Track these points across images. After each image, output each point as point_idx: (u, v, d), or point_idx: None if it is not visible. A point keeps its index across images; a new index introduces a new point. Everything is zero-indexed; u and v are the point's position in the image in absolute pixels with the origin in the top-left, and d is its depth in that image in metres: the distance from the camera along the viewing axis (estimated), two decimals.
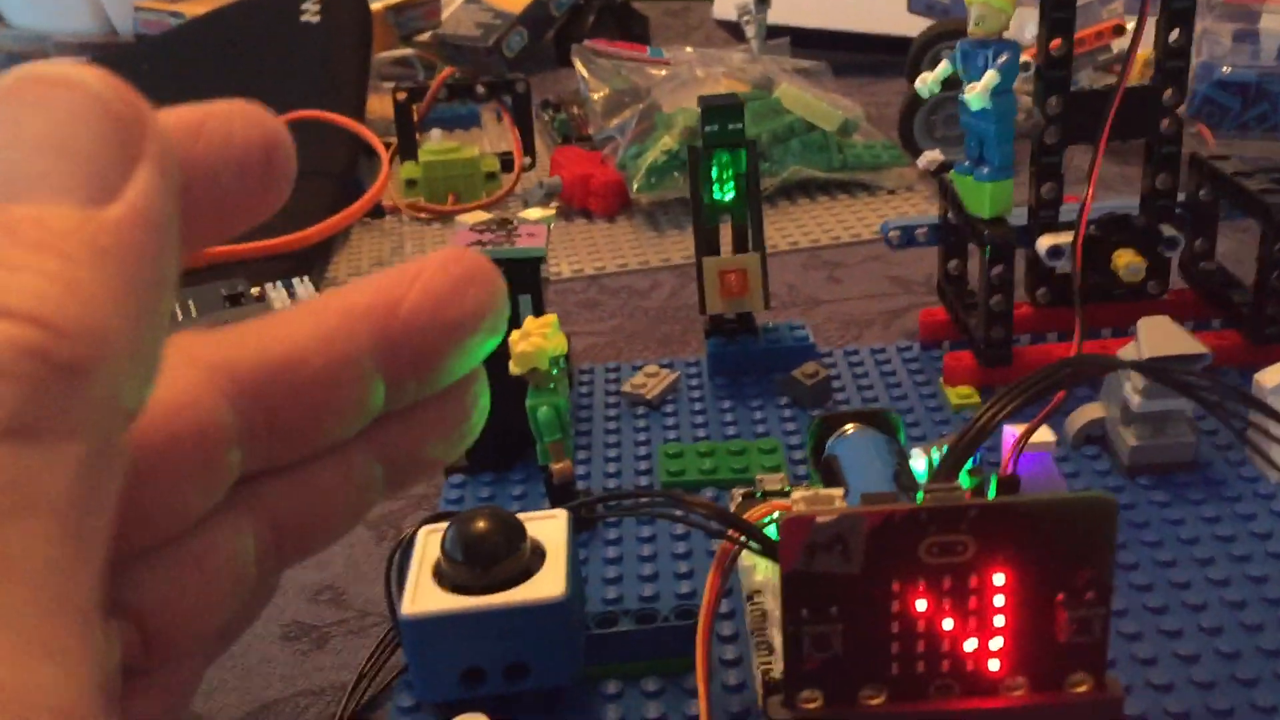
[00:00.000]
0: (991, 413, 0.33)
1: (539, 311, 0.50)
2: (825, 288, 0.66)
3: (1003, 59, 0.48)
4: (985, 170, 0.50)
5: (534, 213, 0.53)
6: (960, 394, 0.52)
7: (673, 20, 1.40)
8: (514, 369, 0.44)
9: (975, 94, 0.48)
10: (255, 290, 0.60)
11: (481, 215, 0.53)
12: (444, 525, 0.37)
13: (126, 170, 0.15)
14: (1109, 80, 0.89)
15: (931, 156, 0.62)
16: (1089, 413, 0.48)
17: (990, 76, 0.48)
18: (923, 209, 0.76)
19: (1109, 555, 0.29)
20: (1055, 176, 0.53)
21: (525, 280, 0.50)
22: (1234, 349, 0.52)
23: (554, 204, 0.80)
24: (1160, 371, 0.36)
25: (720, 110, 0.53)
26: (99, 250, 0.14)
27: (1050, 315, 0.56)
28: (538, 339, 0.44)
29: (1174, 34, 0.51)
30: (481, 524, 0.36)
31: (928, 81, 0.51)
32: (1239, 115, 0.76)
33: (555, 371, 0.45)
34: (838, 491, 0.33)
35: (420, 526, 0.38)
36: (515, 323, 0.46)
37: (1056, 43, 0.51)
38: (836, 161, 0.79)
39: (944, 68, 0.50)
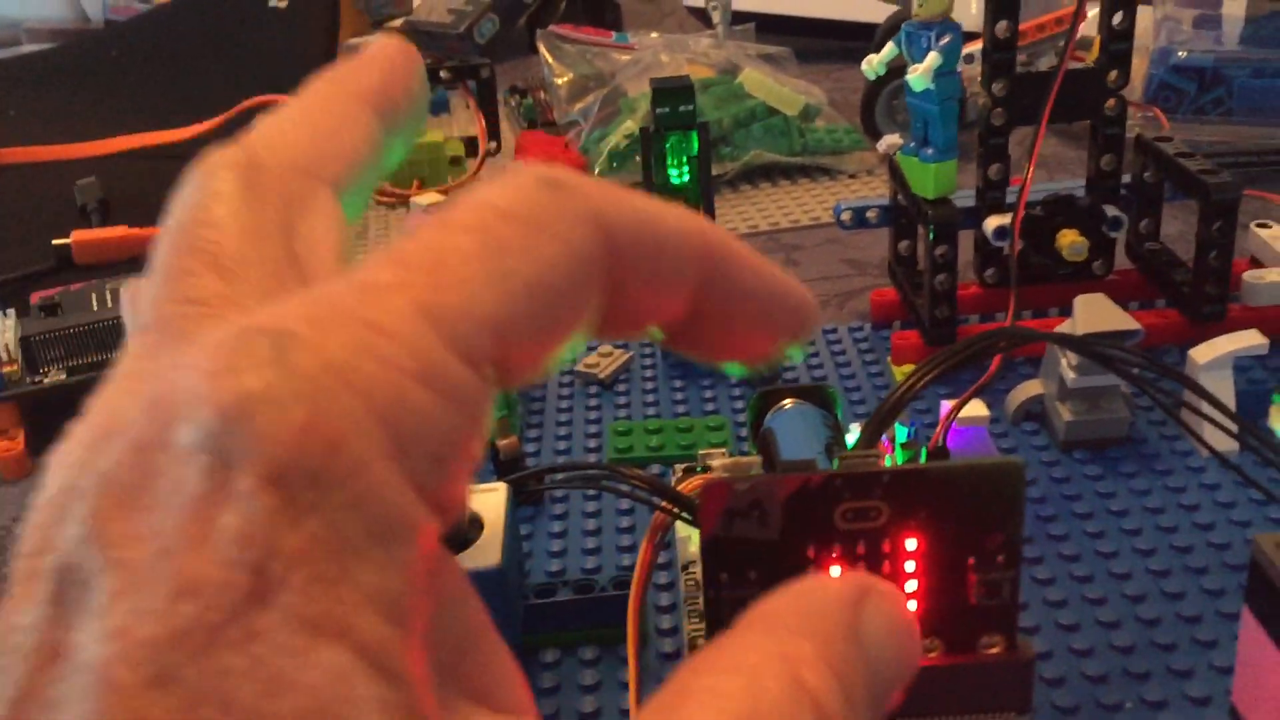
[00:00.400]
0: (914, 379, 0.33)
1: None
2: (782, 270, 0.67)
3: (945, 40, 0.49)
4: (929, 151, 0.51)
5: None
6: (906, 372, 0.53)
7: (645, 7, 1.40)
8: None
9: (918, 75, 0.49)
10: None
11: (435, 197, 0.54)
12: None
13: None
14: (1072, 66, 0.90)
15: (891, 140, 0.63)
16: (1028, 389, 0.48)
17: (932, 58, 0.48)
18: (882, 192, 0.77)
19: (1018, 520, 0.30)
20: (1002, 158, 0.54)
21: None
22: (1174, 327, 0.53)
23: None
24: (1086, 346, 0.37)
25: (671, 93, 0.54)
26: None
27: (998, 295, 0.57)
28: None
29: (1118, 17, 0.52)
30: None
31: (874, 64, 0.52)
32: (1195, 100, 0.76)
33: None
34: (755, 459, 0.34)
35: None
36: None
37: (1003, 25, 0.52)
38: (798, 145, 0.79)
39: (889, 50, 0.51)
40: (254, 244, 0.17)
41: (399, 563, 0.14)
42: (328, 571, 0.13)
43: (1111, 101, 0.53)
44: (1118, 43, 0.53)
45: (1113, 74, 0.53)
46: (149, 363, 0.15)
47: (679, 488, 0.38)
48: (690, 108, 0.54)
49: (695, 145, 0.54)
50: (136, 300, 0.17)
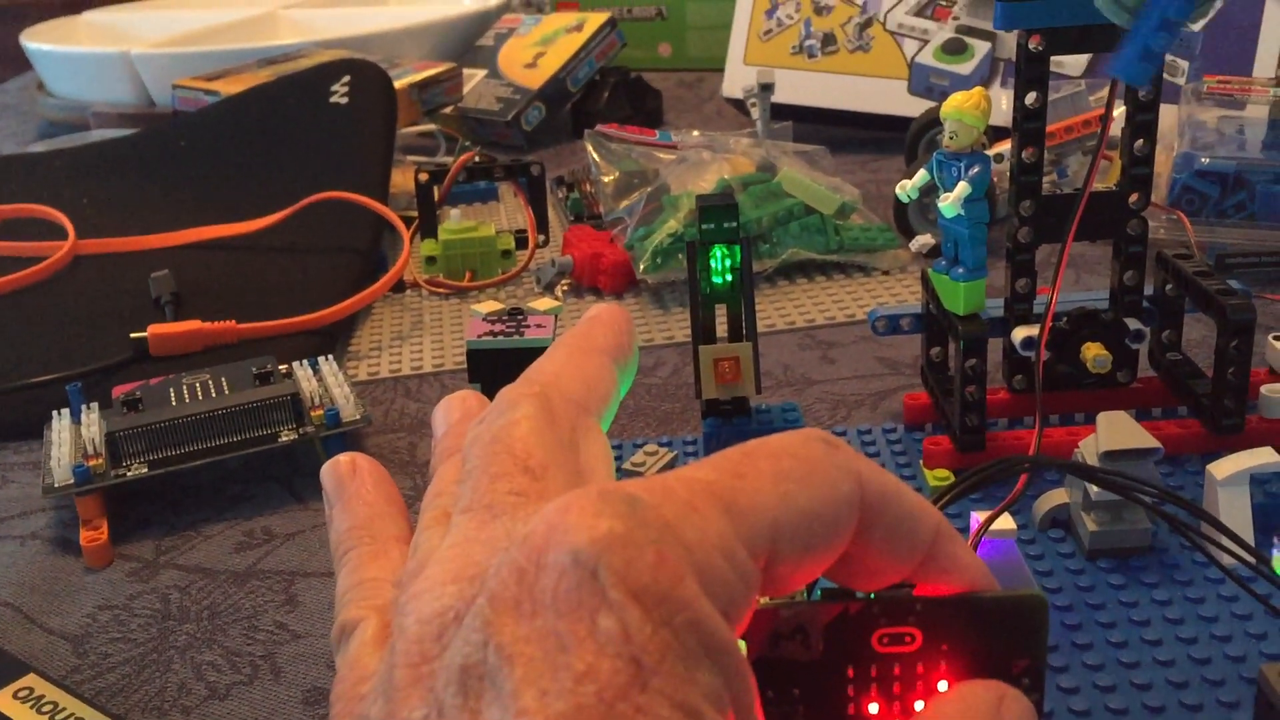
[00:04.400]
0: (942, 498, 0.36)
1: None
2: (818, 368, 0.70)
3: (974, 171, 0.52)
4: (960, 271, 0.54)
5: (543, 303, 0.57)
6: (938, 477, 0.56)
7: (685, 93, 1.45)
8: None
9: (949, 204, 0.52)
10: (283, 368, 0.65)
11: (494, 305, 0.57)
12: None
13: None
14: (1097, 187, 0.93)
15: (924, 240, 0.66)
16: (1054, 498, 0.51)
17: (962, 188, 0.52)
18: (915, 289, 0.80)
19: (1042, 647, 0.33)
20: (1029, 272, 0.57)
21: None
22: (1195, 438, 0.56)
23: (565, 282, 0.84)
24: (1106, 479, 0.40)
25: (716, 210, 0.57)
26: None
27: (1026, 401, 0.60)
28: None
29: (1139, 143, 0.55)
30: None
31: (906, 189, 0.55)
32: (1218, 203, 0.79)
33: None
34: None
35: None
36: None
37: (1029, 151, 0.55)
38: (833, 244, 0.83)
39: (921, 176, 0.55)
40: (554, 455, 0.23)
41: (722, 669, 0.19)
42: (679, 670, 0.18)
43: (1133, 221, 0.56)
44: (1139, 167, 0.56)
45: (1134, 196, 0.56)
46: (486, 530, 0.22)
47: None
48: (734, 224, 0.57)
49: (739, 258, 0.58)
50: (442, 491, 0.24)
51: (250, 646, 0.49)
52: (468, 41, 1.40)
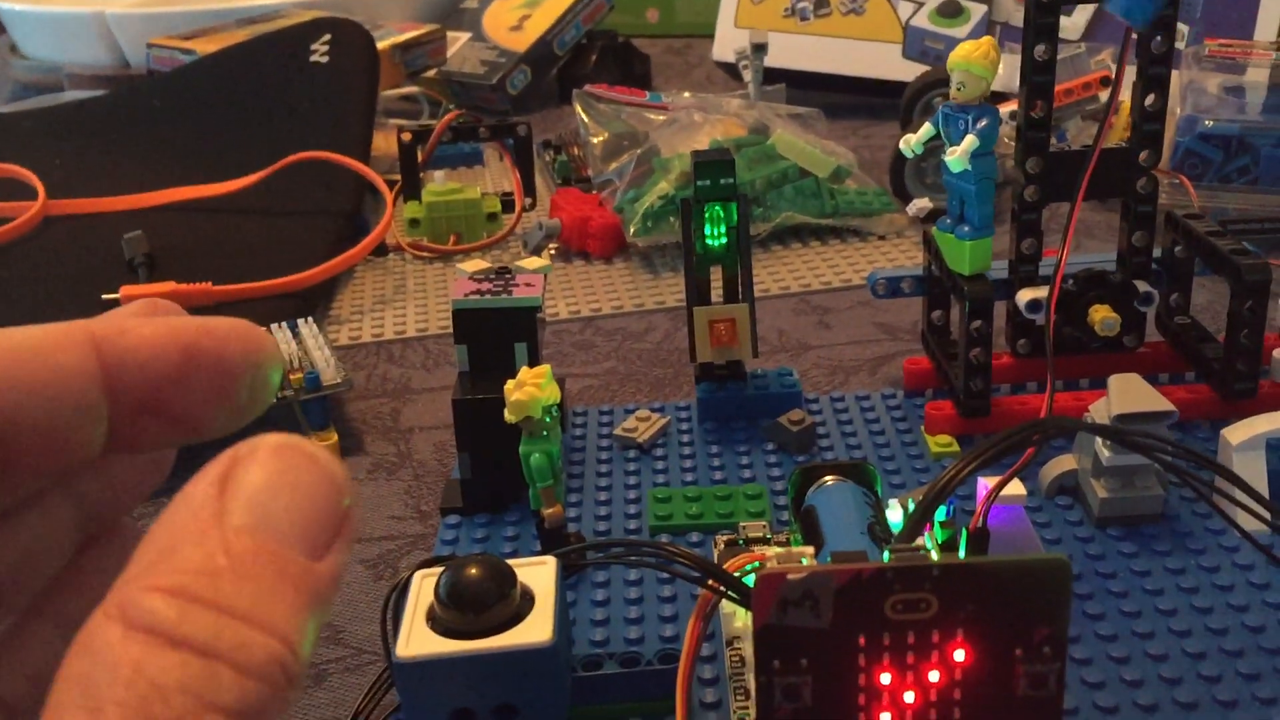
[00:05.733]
0: (956, 470, 0.34)
1: (534, 360, 0.52)
2: (815, 333, 0.68)
3: (982, 124, 0.50)
4: (966, 229, 0.52)
5: (531, 262, 0.55)
6: (940, 443, 0.54)
7: (674, 58, 1.42)
8: (508, 417, 0.46)
9: (955, 157, 0.50)
10: None
11: (480, 264, 0.55)
12: (438, 570, 0.38)
13: (333, 539, 0.19)
14: (1094, 127, 0.91)
15: (921, 204, 0.64)
16: (1062, 464, 0.49)
17: (969, 141, 0.50)
18: (912, 254, 0.78)
19: (1064, 614, 0.31)
20: (1035, 233, 0.55)
21: (521, 328, 0.52)
22: (1206, 403, 0.54)
23: (553, 245, 0.82)
24: (1120, 434, 0.38)
25: (712, 165, 0.55)
26: (313, 593, 0.18)
27: (1030, 365, 0.58)
28: (531, 388, 0.46)
29: (1150, 98, 0.53)
30: (474, 570, 0.37)
31: (911, 143, 0.53)
32: (1221, 167, 0.78)
33: (548, 419, 0.47)
34: (809, 549, 0.35)
35: (416, 570, 0.40)
36: (512, 370, 0.48)
37: (1037, 106, 0.53)
38: (829, 207, 0.81)
39: (926, 130, 0.52)
40: None
41: None
42: None
43: (1143, 180, 0.55)
44: (1150, 123, 0.54)
45: (1144, 153, 0.54)
46: None
47: (725, 566, 0.39)
48: (730, 180, 0.55)
49: (735, 216, 0.55)
50: None
51: None
52: (452, 3, 1.37)
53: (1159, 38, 0.53)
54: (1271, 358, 0.54)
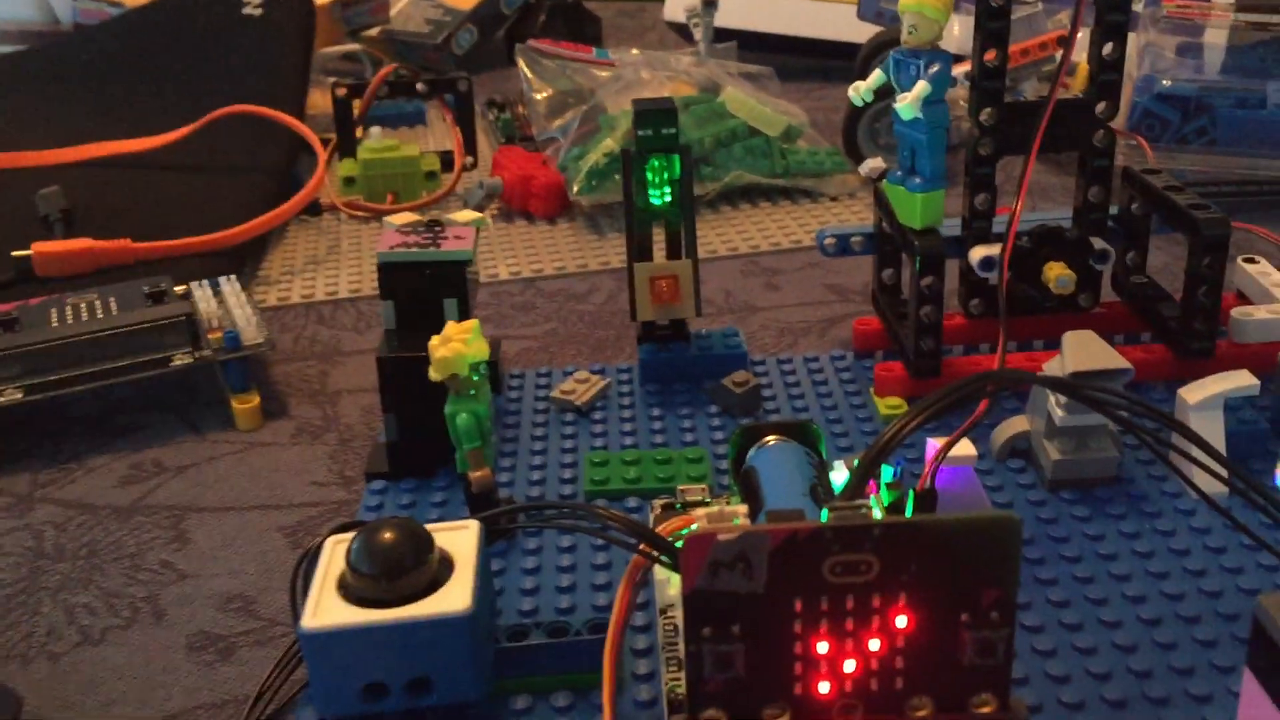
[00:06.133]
0: (902, 424, 0.32)
1: (465, 315, 0.49)
2: (762, 294, 0.66)
3: (934, 69, 0.48)
4: (917, 181, 0.50)
5: (464, 215, 0.52)
6: (889, 404, 0.52)
7: (626, 20, 1.39)
8: (433, 375, 0.43)
9: (906, 104, 0.48)
10: (180, 289, 0.59)
11: (410, 216, 0.52)
12: (351, 535, 0.36)
13: None
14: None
15: (874, 164, 0.62)
16: (1014, 425, 0.47)
17: (921, 87, 0.47)
18: (864, 216, 0.76)
19: (1014, 576, 0.29)
20: (989, 188, 0.53)
21: (450, 283, 0.49)
22: (1162, 363, 0.52)
23: (495, 205, 0.79)
24: (1075, 389, 0.36)
25: (654, 115, 0.52)
26: None
27: (983, 326, 0.56)
28: (458, 344, 0.43)
29: (1108, 47, 0.51)
30: (388, 535, 0.35)
31: (860, 90, 0.51)
32: (1178, 129, 0.76)
33: (476, 378, 0.44)
34: (739, 509, 0.33)
35: (328, 535, 0.37)
36: (442, 327, 0.46)
37: (991, 54, 0.51)
38: (779, 167, 0.78)
39: (877, 76, 0.50)
40: None
41: None
42: None
43: (1100, 133, 0.53)
44: (1108, 73, 0.52)
45: (1102, 105, 0.52)
46: None
47: (658, 529, 0.37)
48: (673, 130, 0.52)
49: (678, 168, 0.53)
50: None
51: (131, 587, 0.44)
52: None
53: None
54: (1230, 317, 0.52)
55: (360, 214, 0.79)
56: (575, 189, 0.74)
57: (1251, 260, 0.56)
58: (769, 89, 0.86)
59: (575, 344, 0.61)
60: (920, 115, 0.48)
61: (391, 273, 0.49)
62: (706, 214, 0.77)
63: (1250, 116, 0.74)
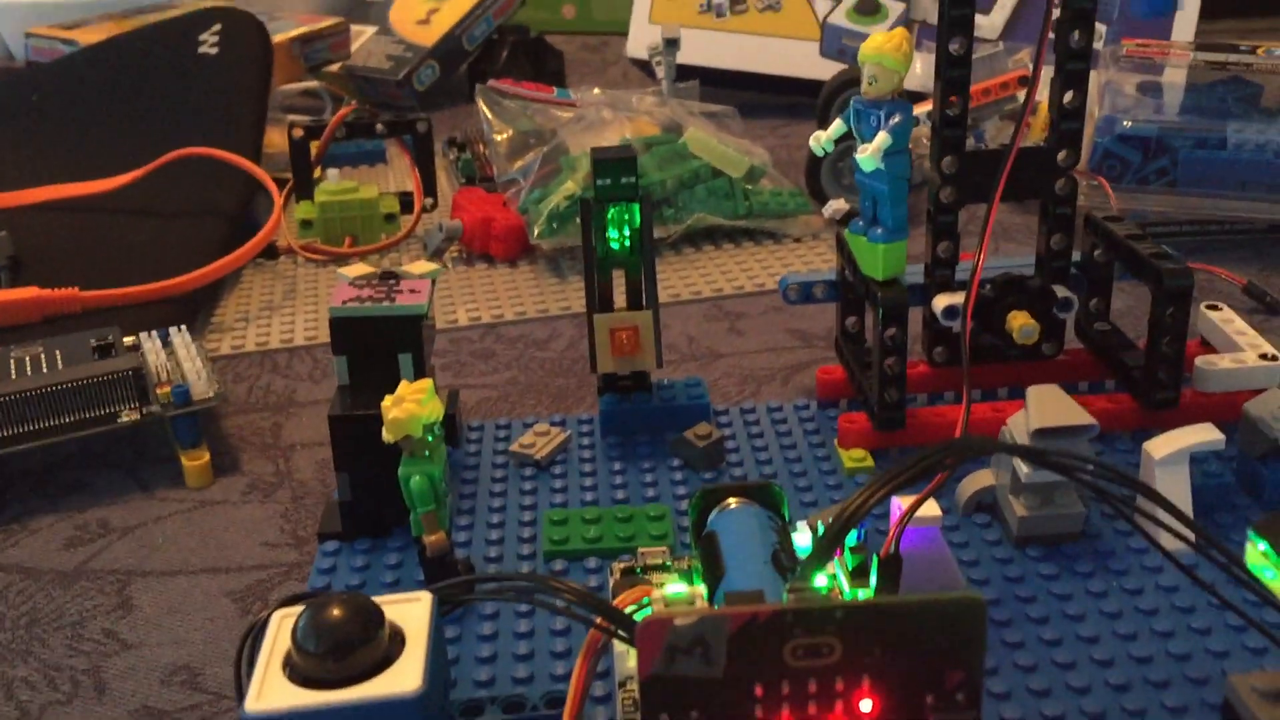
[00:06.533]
0: (865, 497, 0.31)
1: (420, 372, 0.48)
2: (725, 340, 0.65)
3: (895, 120, 0.47)
4: (879, 231, 0.49)
5: (419, 266, 0.51)
6: (854, 457, 0.51)
7: (589, 55, 1.39)
8: (386, 436, 0.42)
9: (867, 155, 0.47)
10: (129, 340, 0.58)
11: (363, 268, 0.51)
12: (299, 609, 0.35)
13: None
14: (1012, 128, 0.90)
15: (837, 206, 0.61)
16: (979, 480, 0.47)
17: (882, 138, 0.47)
18: (828, 257, 0.75)
19: (979, 658, 0.28)
20: (951, 236, 0.53)
21: (405, 338, 0.48)
22: (1126, 413, 0.52)
23: (455, 248, 0.78)
24: (1040, 456, 0.35)
25: (613, 164, 0.51)
26: None
27: (947, 374, 0.55)
28: (411, 405, 0.42)
29: (1069, 95, 0.51)
30: (335, 611, 0.34)
31: (821, 140, 0.50)
32: (1139, 169, 0.76)
33: (430, 439, 0.43)
34: (700, 590, 0.32)
35: (275, 609, 0.36)
36: (396, 383, 0.45)
37: (953, 100, 0.51)
38: (742, 209, 0.78)
39: (837, 126, 0.50)
40: None
41: None
42: None
43: (1062, 181, 0.52)
44: (1069, 121, 0.52)
45: (1063, 153, 0.52)
46: None
47: (617, 600, 0.36)
48: (633, 179, 0.51)
49: (638, 218, 0.52)
50: None
51: (72, 659, 0.42)
52: None
53: (1076, 33, 0.50)
54: (1194, 366, 0.52)
55: (317, 257, 0.78)
56: (536, 232, 0.73)
57: (1215, 307, 0.56)
58: (731, 128, 0.86)
59: (535, 393, 0.60)
60: (882, 166, 0.48)
61: (344, 328, 0.48)
62: (669, 256, 0.76)
63: (1211, 157, 0.74)
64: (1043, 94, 0.54)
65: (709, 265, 0.75)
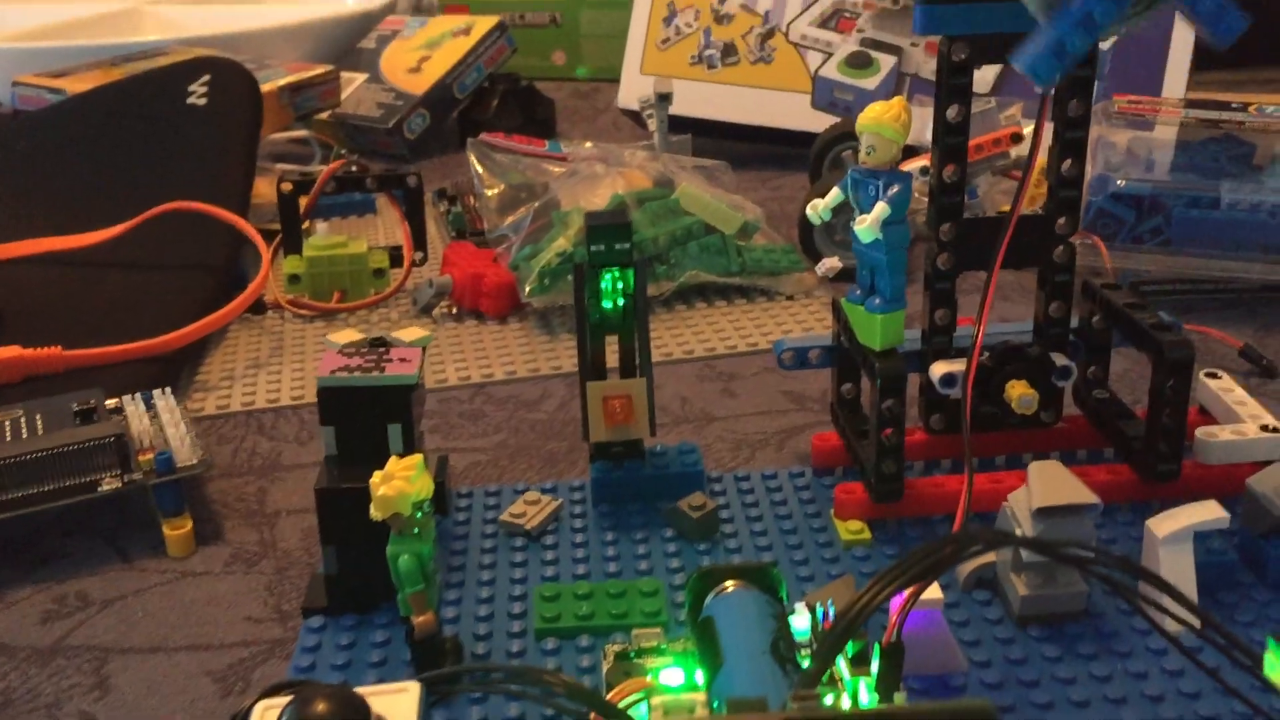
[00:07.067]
0: (866, 600, 0.30)
1: (409, 444, 0.47)
2: (719, 402, 0.64)
3: (893, 190, 0.47)
4: (877, 301, 0.49)
5: (409, 333, 0.51)
6: (851, 529, 0.50)
7: (579, 103, 1.39)
8: (374, 514, 0.41)
9: (865, 227, 0.47)
10: (113, 403, 0.56)
11: (352, 334, 0.50)
12: (283, 701, 0.33)
13: None
14: (1005, 183, 0.90)
15: (830, 264, 0.60)
16: (981, 556, 0.46)
17: (880, 209, 0.46)
18: (822, 316, 0.75)
19: None
20: (948, 303, 0.52)
21: (395, 409, 0.47)
22: (1126, 484, 0.51)
23: (444, 304, 0.77)
24: (1045, 548, 0.34)
25: (607, 230, 0.51)
26: None
27: (945, 442, 0.55)
28: (400, 482, 0.41)
29: (1066, 164, 0.51)
30: (320, 707, 0.32)
31: (818, 209, 0.50)
32: (1133, 228, 0.76)
33: (419, 516, 0.42)
34: (699, 697, 0.31)
35: (259, 699, 0.35)
36: (385, 453, 0.44)
37: (950, 168, 0.50)
38: (735, 265, 0.77)
39: (834, 195, 0.49)
40: None
41: None
42: None
43: (1060, 248, 0.52)
44: (1067, 189, 0.51)
45: (1061, 220, 0.51)
46: None
47: (610, 695, 0.35)
48: (627, 245, 0.51)
49: (632, 283, 0.51)
50: None
51: None
52: (348, 44, 1.32)
53: (1075, 101, 0.50)
54: (1195, 437, 0.51)
55: (306, 312, 0.77)
56: (527, 290, 0.73)
57: (1214, 375, 0.55)
58: (723, 182, 0.85)
59: (526, 456, 0.59)
60: (880, 237, 0.47)
61: (332, 398, 0.47)
62: (661, 314, 0.75)
63: (1205, 217, 0.74)
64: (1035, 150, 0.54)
65: (702, 323, 0.74)
